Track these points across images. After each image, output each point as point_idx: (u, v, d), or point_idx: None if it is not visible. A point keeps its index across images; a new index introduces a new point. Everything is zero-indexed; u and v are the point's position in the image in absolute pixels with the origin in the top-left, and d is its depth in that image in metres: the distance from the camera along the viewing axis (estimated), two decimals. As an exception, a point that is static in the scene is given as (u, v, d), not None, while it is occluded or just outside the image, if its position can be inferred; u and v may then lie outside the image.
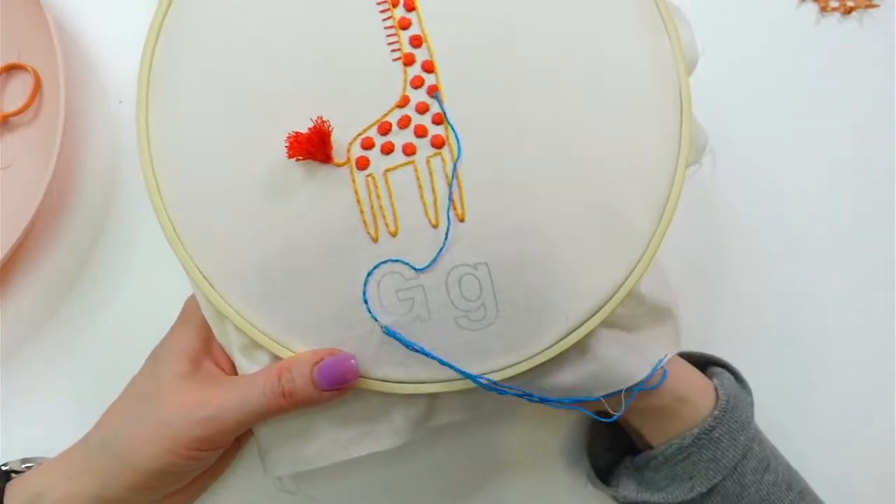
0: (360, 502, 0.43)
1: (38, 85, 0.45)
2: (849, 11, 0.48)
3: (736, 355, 0.44)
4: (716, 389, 0.37)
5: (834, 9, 0.48)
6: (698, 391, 0.37)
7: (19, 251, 0.44)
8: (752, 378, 0.42)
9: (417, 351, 0.31)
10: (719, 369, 0.40)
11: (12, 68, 0.45)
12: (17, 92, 0.45)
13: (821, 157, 0.47)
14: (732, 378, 0.39)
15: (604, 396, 0.33)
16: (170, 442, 0.32)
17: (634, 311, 0.35)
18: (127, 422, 0.34)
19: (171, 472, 0.33)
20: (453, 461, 0.43)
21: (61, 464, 0.34)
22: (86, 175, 0.46)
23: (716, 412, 0.36)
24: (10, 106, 0.45)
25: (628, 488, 0.38)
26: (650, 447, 0.38)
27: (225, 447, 0.34)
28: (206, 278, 0.32)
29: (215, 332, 0.34)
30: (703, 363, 0.41)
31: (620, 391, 0.34)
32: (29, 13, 0.43)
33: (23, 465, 0.39)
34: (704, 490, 0.35)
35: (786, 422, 0.44)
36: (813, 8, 0.49)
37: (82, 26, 0.47)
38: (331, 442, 0.34)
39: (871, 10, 0.48)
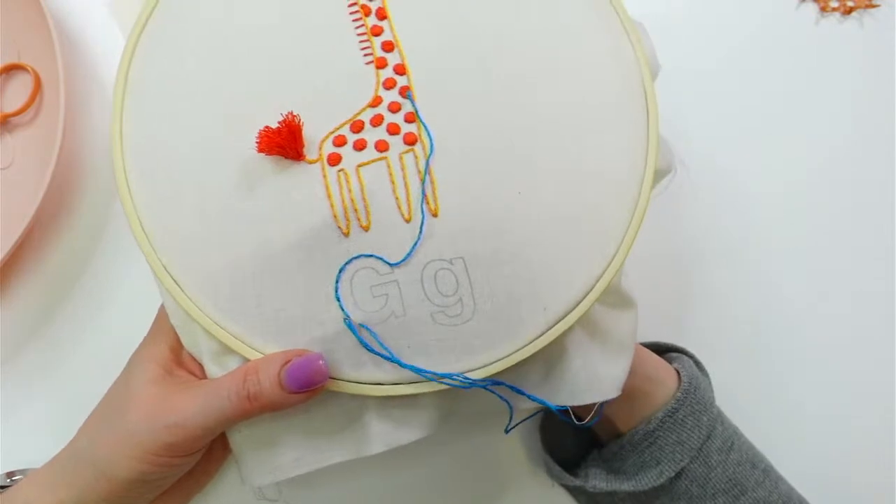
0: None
1: (38, 85, 0.45)
2: (849, 11, 0.48)
3: (727, 356, 0.45)
4: (677, 372, 0.38)
5: (834, 9, 0.48)
6: (662, 373, 0.38)
7: (19, 251, 0.44)
8: (740, 379, 0.42)
9: (370, 350, 0.31)
10: (677, 354, 0.40)
11: (12, 68, 0.45)
12: (17, 92, 0.45)
13: (821, 157, 0.47)
14: (692, 362, 0.40)
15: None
16: (138, 450, 0.31)
17: (608, 304, 0.35)
18: (99, 431, 0.33)
19: (144, 481, 0.32)
20: (438, 466, 0.43)
21: (44, 474, 0.34)
22: (86, 175, 0.46)
23: (678, 394, 0.36)
24: (11, 106, 0.45)
25: (598, 478, 0.38)
26: (616, 437, 0.38)
27: (196, 452, 0.33)
28: (175, 282, 0.32)
29: (184, 340, 0.33)
30: (660, 350, 0.41)
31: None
32: (29, 13, 0.43)
33: (8, 480, 0.39)
34: (672, 474, 0.36)
35: (778, 421, 0.44)
36: (813, 8, 0.49)
37: (82, 26, 0.47)
38: (308, 448, 0.33)
39: (872, 10, 0.48)
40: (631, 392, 0.36)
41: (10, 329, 0.44)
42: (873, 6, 0.48)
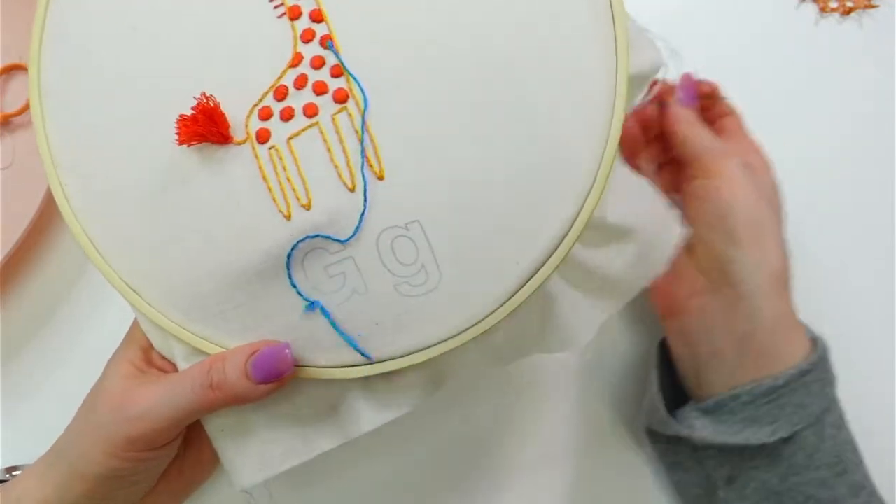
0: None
1: (38, 85, 0.45)
2: (848, 12, 0.48)
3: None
4: (813, 340, 0.37)
5: (833, 9, 0.48)
6: (796, 333, 0.37)
7: (20, 251, 0.44)
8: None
9: (337, 332, 0.29)
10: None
11: (13, 69, 0.46)
12: (17, 93, 0.45)
13: (820, 158, 0.47)
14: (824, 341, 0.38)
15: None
16: (106, 445, 0.30)
17: (594, 244, 0.32)
18: (76, 429, 0.33)
19: (117, 477, 0.31)
20: (429, 455, 0.43)
21: (34, 471, 0.34)
22: (86, 175, 0.46)
23: (813, 357, 0.35)
24: (11, 106, 0.45)
25: (705, 429, 0.36)
26: (711, 393, 0.36)
27: (166, 447, 0.32)
28: (134, 290, 0.30)
29: (154, 342, 0.32)
30: None
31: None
32: (29, 13, 0.43)
33: (7, 475, 0.39)
34: (786, 435, 0.34)
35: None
36: (812, 8, 0.49)
37: (83, 27, 0.47)
38: (295, 439, 0.31)
39: (871, 11, 0.48)
40: (763, 336, 0.36)
41: (10, 329, 0.44)
42: (872, 6, 0.48)
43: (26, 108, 0.45)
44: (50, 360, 0.44)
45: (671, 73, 0.33)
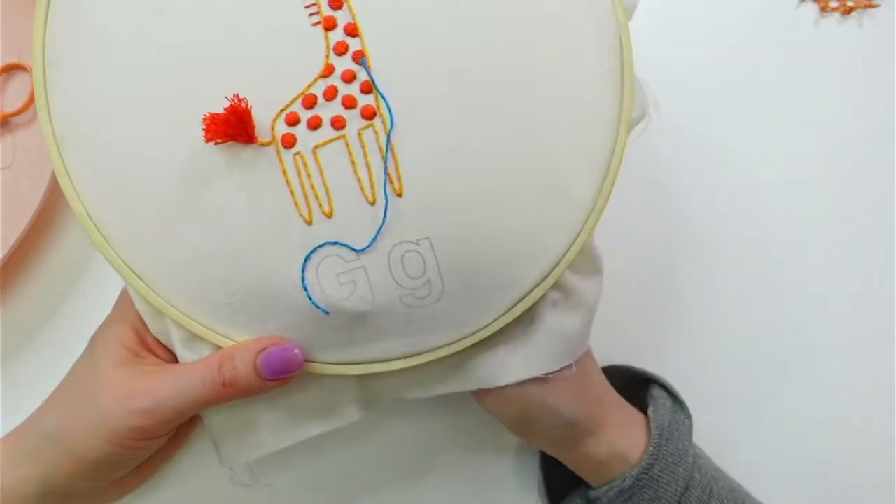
0: (317, 488, 0.42)
1: (38, 85, 0.45)
2: (848, 12, 0.48)
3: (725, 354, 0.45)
4: (647, 423, 0.37)
5: (834, 9, 0.48)
6: (631, 431, 0.37)
7: (19, 251, 0.44)
8: (739, 379, 0.43)
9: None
10: (658, 391, 0.39)
11: (12, 68, 0.45)
12: (17, 92, 0.45)
13: (821, 158, 0.47)
14: (669, 401, 0.38)
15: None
16: (108, 433, 0.31)
17: (581, 272, 0.34)
18: (67, 411, 0.33)
19: (113, 462, 0.32)
20: (410, 443, 0.43)
21: (4, 451, 0.33)
22: (86, 175, 0.46)
23: (650, 448, 0.35)
24: (11, 106, 0.45)
25: None
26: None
27: (165, 436, 0.33)
28: (138, 276, 0.31)
29: (151, 326, 0.33)
30: (641, 381, 0.40)
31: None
32: (29, 13, 0.43)
33: None
34: None
35: (778, 422, 0.44)
36: (813, 8, 0.49)
37: (82, 26, 0.47)
38: (287, 422, 0.33)
39: (871, 11, 0.48)
40: (596, 462, 0.36)
41: (10, 329, 0.44)
42: (873, 6, 0.48)
43: (26, 107, 0.45)
44: (50, 360, 0.44)
45: (653, 122, 0.34)
